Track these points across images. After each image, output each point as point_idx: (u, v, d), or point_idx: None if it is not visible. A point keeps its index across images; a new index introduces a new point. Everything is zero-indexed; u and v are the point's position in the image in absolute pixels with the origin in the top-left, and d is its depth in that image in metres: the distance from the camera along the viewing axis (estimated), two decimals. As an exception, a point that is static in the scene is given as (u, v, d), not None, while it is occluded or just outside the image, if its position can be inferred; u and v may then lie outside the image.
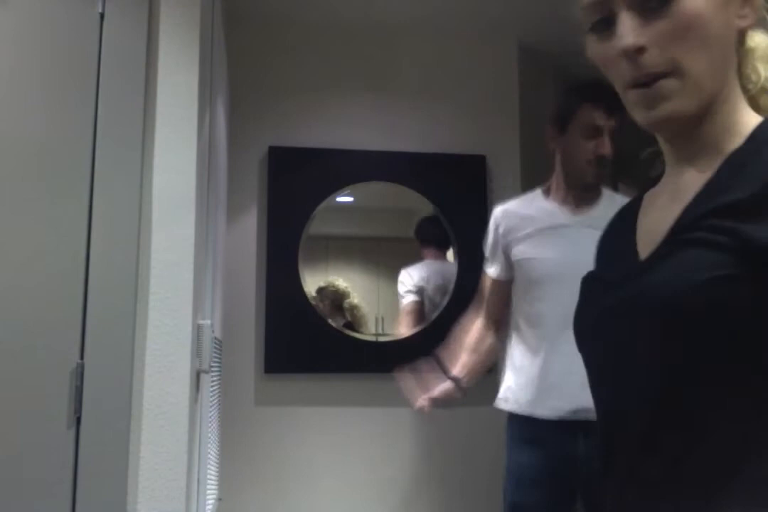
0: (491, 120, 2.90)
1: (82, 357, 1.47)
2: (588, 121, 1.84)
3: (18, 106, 1.52)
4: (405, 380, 2.01)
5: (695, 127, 0.75)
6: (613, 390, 0.76)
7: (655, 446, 0.69)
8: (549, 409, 1.82)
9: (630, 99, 0.75)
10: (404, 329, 2.75)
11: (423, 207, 2.82)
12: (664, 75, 0.71)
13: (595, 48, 0.76)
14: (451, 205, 2.81)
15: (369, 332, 2.75)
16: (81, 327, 1.48)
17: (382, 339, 2.74)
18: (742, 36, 0.76)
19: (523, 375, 1.91)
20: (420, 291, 2.78)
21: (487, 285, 2.07)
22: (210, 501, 2.00)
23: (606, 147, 1.83)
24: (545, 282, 1.87)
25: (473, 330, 2.06)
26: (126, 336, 1.50)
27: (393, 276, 2.80)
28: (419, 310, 2.77)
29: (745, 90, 0.78)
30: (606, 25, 0.74)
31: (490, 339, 2.05)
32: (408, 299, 2.77)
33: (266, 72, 2.81)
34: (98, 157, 1.54)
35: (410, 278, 2.79)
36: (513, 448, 1.92)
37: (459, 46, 2.93)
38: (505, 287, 2.02)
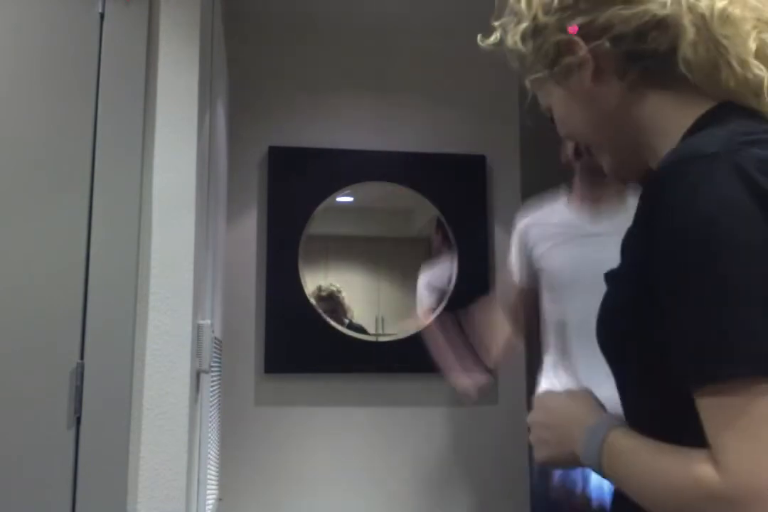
0: (491, 120, 2.90)
1: (82, 357, 1.47)
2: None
3: (18, 106, 1.53)
4: (443, 353, 2.06)
5: (647, 162, 0.82)
6: None
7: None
8: None
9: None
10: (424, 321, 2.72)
11: (423, 207, 2.82)
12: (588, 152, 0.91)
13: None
14: (451, 205, 2.81)
15: (368, 332, 2.75)
16: (81, 327, 1.48)
17: (382, 339, 2.74)
18: (654, 66, 0.77)
19: (548, 385, 1.95)
20: (442, 291, 2.78)
21: (514, 294, 2.12)
22: (210, 501, 2.00)
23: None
24: (563, 290, 1.93)
25: (505, 333, 2.12)
26: (126, 336, 1.50)
27: (393, 276, 2.80)
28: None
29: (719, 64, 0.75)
30: None
31: (517, 348, 2.15)
32: (431, 298, 2.76)
33: (266, 72, 2.81)
34: (98, 157, 1.54)
35: (434, 276, 2.78)
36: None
37: (459, 45, 2.92)
38: (530, 297, 2.06)
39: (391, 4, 2.74)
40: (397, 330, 2.76)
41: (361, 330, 2.75)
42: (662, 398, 0.71)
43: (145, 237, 1.55)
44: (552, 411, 0.86)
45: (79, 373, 1.46)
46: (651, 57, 0.76)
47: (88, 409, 1.46)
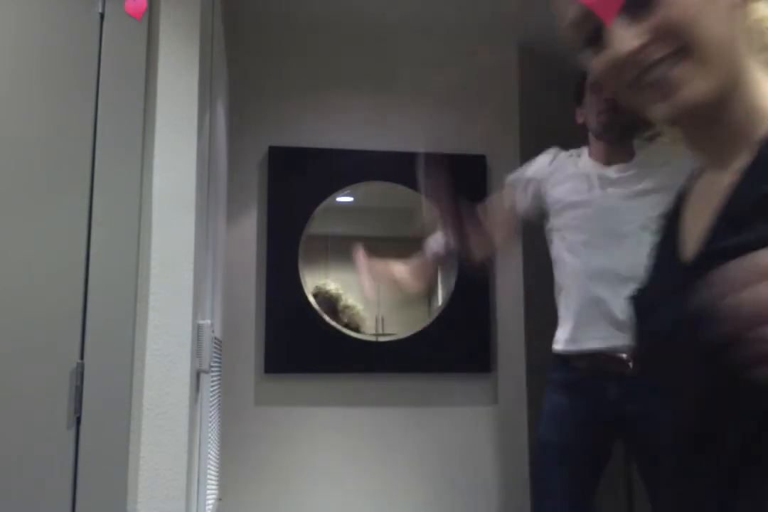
0: (491, 120, 2.90)
1: (82, 357, 1.47)
2: (592, 81, 2.01)
3: (18, 106, 1.53)
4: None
5: (716, 118, 0.72)
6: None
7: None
8: (583, 344, 1.93)
9: (642, 95, 0.72)
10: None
11: (423, 207, 2.82)
12: (669, 59, 0.69)
13: (595, 62, 0.74)
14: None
15: (368, 332, 2.75)
16: (81, 327, 1.48)
17: (382, 339, 2.74)
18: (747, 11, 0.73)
19: (563, 319, 2.03)
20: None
21: (503, 207, 2.15)
22: (210, 501, 2.00)
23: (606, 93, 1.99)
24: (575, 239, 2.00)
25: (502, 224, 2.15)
26: (126, 336, 1.50)
27: (393, 276, 2.80)
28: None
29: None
30: (597, 37, 0.72)
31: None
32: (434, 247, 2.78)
33: (266, 72, 2.81)
34: (98, 157, 1.54)
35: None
36: (549, 390, 2.03)
37: (459, 45, 2.93)
38: (513, 215, 2.14)
39: (391, 4, 2.74)
40: (397, 330, 2.76)
41: (360, 330, 2.75)
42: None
43: (145, 237, 1.55)
44: None
45: (79, 373, 1.46)
46: None
47: (88, 409, 1.46)
